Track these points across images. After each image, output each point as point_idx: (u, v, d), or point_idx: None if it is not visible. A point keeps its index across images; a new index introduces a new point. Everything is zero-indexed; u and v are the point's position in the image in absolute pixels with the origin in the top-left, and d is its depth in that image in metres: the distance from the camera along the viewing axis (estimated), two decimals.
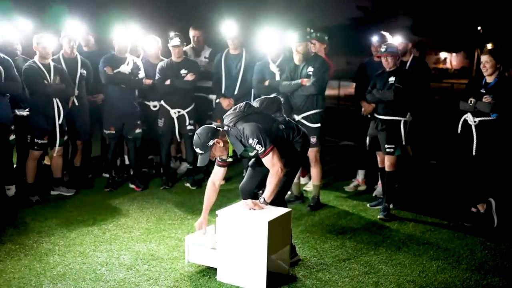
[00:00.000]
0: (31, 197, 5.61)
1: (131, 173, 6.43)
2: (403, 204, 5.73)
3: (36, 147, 5.63)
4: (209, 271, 3.89)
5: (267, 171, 3.83)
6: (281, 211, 3.78)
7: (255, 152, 3.83)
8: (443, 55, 52.17)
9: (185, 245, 3.95)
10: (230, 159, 3.99)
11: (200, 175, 6.88)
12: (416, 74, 5.80)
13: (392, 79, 5.42)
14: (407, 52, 6.13)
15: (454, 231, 4.95)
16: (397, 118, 5.44)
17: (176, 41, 6.11)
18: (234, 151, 3.90)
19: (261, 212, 3.71)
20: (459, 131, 5.14)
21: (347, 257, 4.27)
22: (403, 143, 5.48)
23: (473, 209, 5.22)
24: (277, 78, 5.89)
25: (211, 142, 3.76)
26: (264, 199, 3.77)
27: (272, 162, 3.75)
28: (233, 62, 6.28)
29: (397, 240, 4.70)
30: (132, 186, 6.32)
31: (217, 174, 4.08)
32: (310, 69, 5.46)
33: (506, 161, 5.19)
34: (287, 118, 4.10)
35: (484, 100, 4.90)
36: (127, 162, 6.90)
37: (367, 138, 5.78)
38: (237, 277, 3.68)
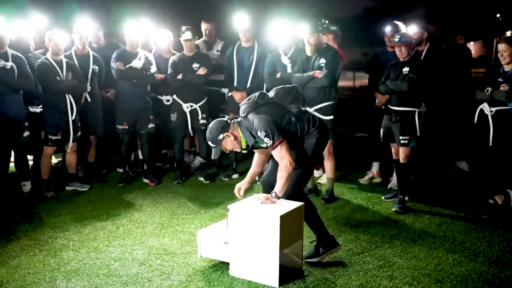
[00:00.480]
0: (46, 192, 5.66)
1: (145, 168, 6.44)
2: (418, 196, 5.65)
3: (50, 143, 5.66)
4: (222, 266, 3.88)
5: None
6: (293, 205, 3.74)
7: (265, 144, 3.79)
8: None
9: (198, 240, 3.94)
10: (244, 151, 4.00)
11: (214, 169, 6.88)
12: (432, 64, 5.70)
13: (406, 69, 5.33)
14: (423, 41, 6.02)
15: (471, 224, 4.87)
16: (411, 109, 5.35)
17: (187, 35, 6.09)
18: (247, 142, 3.89)
19: (273, 207, 3.68)
20: (475, 121, 5.04)
21: (361, 251, 4.22)
22: (418, 134, 5.39)
23: (491, 201, 5.12)
24: (289, 70, 5.83)
25: (221, 136, 3.81)
26: (276, 194, 3.73)
27: (281, 156, 3.71)
28: (245, 55, 6.23)
29: (412, 233, 4.64)
30: (146, 180, 6.34)
31: (259, 153, 4.11)
32: (322, 60, 5.39)
33: None
34: (303, 109, 4.02)
35: (501, 88, 4.79)
36: (141, 157, 6.91)
37: (381, 130, 5.71)
38: (250, 272, 3.66)
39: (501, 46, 4.86)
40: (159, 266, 3.93)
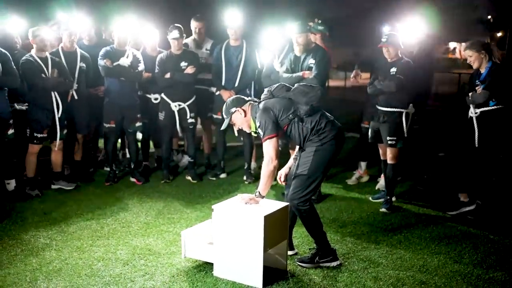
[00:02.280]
0: (31, 191, 5.59)
1: (132, 166, 6.39)
2: (406, 197, 5.65)
3: (35, 141, 5.60)
4: (206, 266, 3.85)
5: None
6: (277, 205, 3.72)
7: None
8: (452, 45, 51.60)
9: (182, 240, 3.90)
10: (254, 134, 4.00)
11: (202, 169, 6.84)
12: (420, 65, 5.71)
13: (393, 70, 5.33)
14: (415, 43, 6.02)
15: (457, 225, 4.87)
16: (398, 110, 5.35)
17: (175, 33, 6.04)
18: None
19: (257, 207, 3.66)
20: (464, 123, 5.08)
21: (347, 252, 4.20)
22: (405, 135, 5.40)
23: (478, 202, 5.13)
24: (280, 73, 5.83)
25: (233, 109, 3.85)
26: (259, 193, 3.70)
27: (266, 150, 3.70)
28: (233, 53, 6.19)
29: (398, 234, 4.63)
30: (133, 179, 6.29)
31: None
32: (311, 60, 5.37)
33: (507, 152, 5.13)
34: (320, 113, 3.80)
35: (477, 91, 4.89)
36: (128, 155, 6.86)
37: (370, 130, 5.70)
38: (234, 273, 3.63)
39: (466, 53, 5.00)
40: (143, 266, 3.89)
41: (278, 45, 5.94)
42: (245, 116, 3.86)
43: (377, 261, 4.02)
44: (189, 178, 6.42)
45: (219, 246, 3.69)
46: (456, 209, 5.18)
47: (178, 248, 4.19)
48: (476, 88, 4.92)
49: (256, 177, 6.45)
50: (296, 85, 3.95)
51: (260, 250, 3.50)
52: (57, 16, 6.12)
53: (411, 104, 5.41)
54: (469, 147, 5.04)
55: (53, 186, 5.91)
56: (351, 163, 7.01)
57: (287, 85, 3.96)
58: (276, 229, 3.68)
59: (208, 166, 6.95)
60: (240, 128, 3.96)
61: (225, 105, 3.92)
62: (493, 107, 4.86)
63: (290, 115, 3.77)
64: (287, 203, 3.80)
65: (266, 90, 3.97)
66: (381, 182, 6.12)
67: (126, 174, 6.56)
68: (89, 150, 6.62)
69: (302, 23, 5.42)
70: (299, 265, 3.91)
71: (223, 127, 4.02)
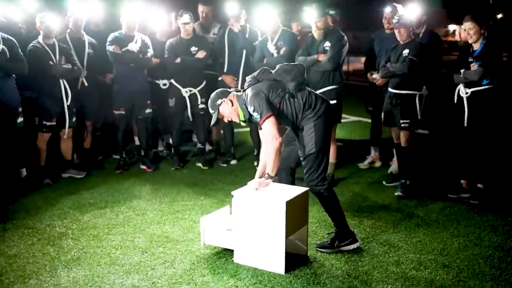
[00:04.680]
0: (42, 180, 5.54)
1: (142, 154, 6.34)
2: (420, 180, 5.61)
3: (44, 129, 5.54)
4: (226, 253, 3.82)
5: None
6: (298, 190, 3.68)
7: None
8: (452, 27, 51.22)
9: (201, 227, 3.87)
10: (243, 123, 3.98)
11: (211, 155, 6.79)
12: (431, 47, 5.63)
13: (406, 51, 5.24)
14: (420, 24, 5.93)
15: (473, 208, 4.83)
16: (412, 92, 5.28)
17: (186, 18, 5.93)
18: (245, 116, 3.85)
19: (277, 192, 3.61)
20: (455, 103, 5.02)
21: (366, 236, 4.17)
22: (419, 117, 5.33)
23: (479, 185, 5.07)
24: (275, 56, 5.84)
25: (219, 101, 3.81)
26: (268, 174, 3.65)
27: (267, 130, 3.65)
28: (236, 38, 6.10)
29: (415, 218, 4.60)
30: (143, 167, 6.24)
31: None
32: (327, 44, 5.32)
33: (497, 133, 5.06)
34: (306, 89, 3.86)
35: (471, 68, 4.80)
36: (137, 142, 6.80)
37: (382, 114, 5.64)
38: (255, 259, 3.60)
39: (467, 25, 4.84)
40: (162, 254, 3.86)
41: (272, 27, 5.88)
42: (232, 105, 3.81)
43: (398, 245, 3.99)
44: (199, 164, 6.37)
45: (239, 232, 3.65)
46: (456, 193, 5.14)
47: (196, 235, 4.16)
48: (471, 65, 4.81)
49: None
50: (277, 65, 3.93)
51: (282, 236, 3.47)
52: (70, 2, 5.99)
53: (424, 86, 5.35)
54: (458, 128, 5.00)
55: (63, 175, 5.86)
56: (362, 147, 6.98)
57: (268, 68, 3.92)
58: (297, 214, 3.64)
59: (218, 152, 6.90)
60: (230, 119, 3.91)
61: (209, 99, 3.87)
62: (485, 87, 4.78)
63: (280, 93, 3.75)
64: (307, 188, 3.75)
65: (249, 77, 3.92)
66: (394, 166, 6.08)
67: (136, 161, 6.51)
68: (98, 137, 6.56)
69: (320, 8, 5.34)
70: (319, 250, 3.88)
71: (212, 123, 3.91)
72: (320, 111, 3.78)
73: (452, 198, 5.08)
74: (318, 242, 3.98)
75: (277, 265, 3.52)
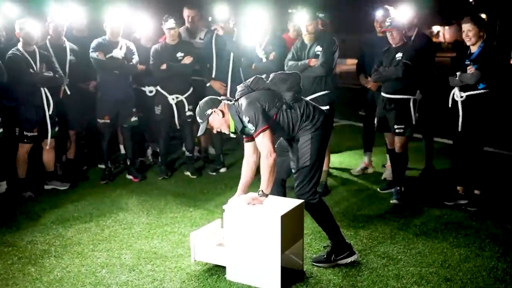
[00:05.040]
0: (23, 193, 5.30)
1: (128, 163, 6.12)
2: (415, 187, 5.48)
3: (25, 140, 5.30)
4: (218, 270, 3.63)
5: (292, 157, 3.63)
6: (293, 203, 3.51)
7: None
8: (435, 28, 51.56)
9: (191, 243, 3.67)
10: (233, 135, 3.77)
11: (200, 163, 6.60)
12: (424, 50, 5.51)
13: (399, 55, 5.11)
14: (412, 26, 5.81)
15: (471, 215, 4.70)
16: (406, 96, 5.14)
17: (171, 23, 5.74)
18: (236, 127, 3.65)
19: (271, 206, 3.44)
20: (450, 106, 4.91)
21: (363, 248, 4.01)
22: (413, 122, 5.20)
23: (476, 192, 4.95)
24: (264, 61, 5.68)
25: (209, 111, 3.58)
26: (262, 191, 3.45)
27: (261, 144, 3.45)
28: (224, 43, 5.93)
29: (413, 227, 4.45)
30: (130, 177, 6.03)
31: (247, 150, 3.75)
32: (318, 48, 5.15)
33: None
34: (302, 98, 3.70)
35: (468, 71, 4.67)
36: (123, 151, 6.58)
37: (375, 119, 5.50)
38: (249, 276, 3.42)
39: (466, 26, 4.72)
40: (150, 271, 3.66)
41: (261, 31, 5.73)
42: (223, 116, 3.59)
43: (396, 257, 3.84)
44: (187, 173, 6.18)
45: (231, 248, 3.47)
46: (453, 200, 5.01)
47: (186, 250, 3.97)
48: (468, 68, 4.69)
49: (257, 169, 6.24)
50: (272, 74, 3.74)
51: (277, 252, 3.29)
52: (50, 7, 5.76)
53: (418, 91, 5.22)
54: (452, 132, 4.89)
55: (46, 187, 5.62)
56: (354, 153, 6.85)
57: (262, 77, 3.72)
58: (293, 228, 3.47)
59: (206, 160, 6.71)
60: (219, 130, 3.70)
61: (198, 108, 3.63)
62: (481, 91, 4.66)
63: (277, 103, 3.57)
64: (302, 200, 3.58)
65: (241, 86, 3.71)
66: (387, 171, 5.95)
67: (122, 171, 6.30)
68: (81, 147, 6.33)
69: (311, 11, 5.18)
70: (316, 265, 3.71)
71: (200, 133, 3.68)
72: (318, 123, 3.63)
73: (449, 205, 4.95)
74: (314, 256, 3.82)
75: (273, 282, 3.34)
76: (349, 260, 3.73)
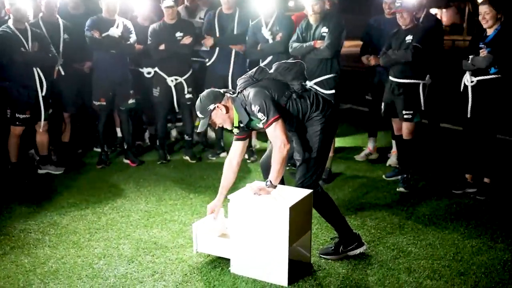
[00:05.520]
0: (16, 178, 5.09)
1: (125, 147, 5.92)
2: (421, 174, 5.32)
3: (17, 123, 5.07)
4: (221, 262, 3.46)
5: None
6: (301, 193, 3.32)
7: (261, 123, 3.35)
8: (433, 11, 51.04)
9: (193, 234, 3.50)
10: (236, 130, 3.53)
11: (199, 147, 6.40)
12: (434, 32, 5.30)
13: (409, 37, 4.90)
14: (421, 7, 5.58)
15: (481, 204, 4.56)
16: (415, 81, 4.95)
17: (169, 1, 5.48)
18: (240, 122, 3.44)
19: (279, 196, 3.26)
20: (461, 91, 4.72)
21: (371, 239, 3.85)
22: (422, 108, 5.01)
23: (486, 180, 4.79)
24: (270, 42, 5.44)
25: (211, 106, 3.37)
26: (271, 182, 3.26)
27: (274, 135, 3.25)
28: (226, 22, 5.68)
29: (422, 216, 4.29)
30: (127, 161, 5.83)
31: (235, 150, 3.58)
32: (324, 29, 4.91)
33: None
34: (308, 87, 3.54)
35: (480, 54, 4.48)
36: (119, 134, 6.37)
37: (382, 104, 5.31)
38: (254, 269, 3.26)
39: (483, 8, 4.50)
40: (150, 263, 3.48)
41: (267, 10, 5.47)
42: (226, 112, 3.39)
43: (407, 249, 3.68)
44: (187, 158, 5.98)
45: (236, 240, 3.30)
46: (461, 188, 4.85)
47: (187, 240, 3.80)
48: (481, 51, 4.49)
49: (259, 155, 6.06)
50: (275, 64, 3.55)
51: (285, 245, 3.12)
52: None
53: (428, 75, 5.02)
54: (462, 119, 4.74)
55: (39, 171, 5.41)
56: (358, 138, 6.67)
57: (265, 68, 3.53)
58: (301, 220, 3.29)
59: (206, 144, 6.52)
60: (221, 126, 3.51)
61: (199, 101, 3.40)
62: (492, 76, 4.47)
63: (286, 93, 3.39)
64: (310, 190, 3.40)
65: (243, 77, 3.49)
66: (393, 158, 5.79)
67: (118, 155, 6.10)
68: (77, 130, 6.10)
69: None
70: (323, 257, 3.55)
71: (200, 129, 3.50)
72: (327, 113, 3.44)
73: (457, 194, 4.79)
74: (321, 248, 3.65)
75: (280, 276, 3.18)
76: (357, 251, 3.58)
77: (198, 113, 3.46)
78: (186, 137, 6.06)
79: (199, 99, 3.45)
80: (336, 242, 3.60)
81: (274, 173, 3.26)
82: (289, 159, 3.60)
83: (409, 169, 5.06)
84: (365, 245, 3.63)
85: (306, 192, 3.34)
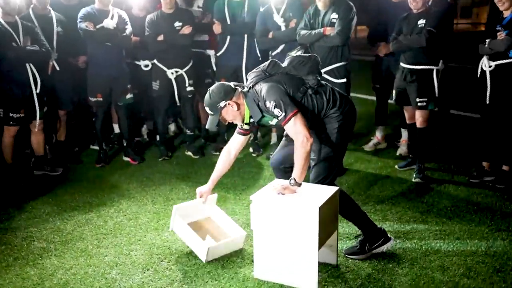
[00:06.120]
0: (12, 181, 4.80)
1: (124, 144, 5.66)
2: (436, 163, 5.14)
3: (11, 122, 4.76)
4: (243, 266, 3.25)
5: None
6: (328, 191, 3.11)
7: (276, 120, 3.13)
8: None
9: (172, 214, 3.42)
10: (246, 126, 3.33)
11: (201, 141, 6.15)
12: (446, 15, 5.09)
13: (421, 21, 4.69)
14: None
15: (502, 192, 4.40)
16: (429, 67, 4.75)
17: None
18: (251, 117, 3.24)
19: (304, 195, 3.04)
20: (478, 76, 4.56)
21: (396, 235, 3.66)
22: (436, 95, 4.82)
23: (505, 167, 4.64)
24: (282, 29, 5.15)
25: (222, 103, 3.16)
26: (295, 180, 3.05)
27: (295, 130, 3.04)
28: (237, 9, 5.40)
29: (444, 209, 4.12)
30: (127, 159, 5.57)
31: (236, 142, 3.45)
32: (334, 15, 4.68)
33: None
34: (323, 83, 3.32)
35: (498, 37, 4.30)
36: (116, 130, 6.11)
37: (394, 92, 5.11)
38: (280, 274, 3.05)
39: None
40: (167, 271, 3.25)
41: None
42: (238, 109, 3.19)
43: (435, 246, 3.49)
44: (189, 153, 5.74)
45: (260, 243, 3.08)
46: (479, 177, 4.70)
47: None
48: (498, 34, 4.31)
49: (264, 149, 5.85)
50: (288, 58, 3.33)
51: (315, 248, 2.91)
52: None
53: (441, 60, 4.82)
54: (480, 105, 4.58)
55: (36, 172, 5.13)
56: (365, 127, 6.48)
57: (278, 61, 3.32)
58: (329, 220, 3.09)
59: (207, 138, 6.27)
60: (231, 122, 3.32)
61: (208, 97, 3.21)
62: (511, 60, 4.29)
63: (302, 88, 3.18)
64: (337, 187, 3.19)
65: (254, 71, 3.28)
66: (403, 147, 5.62)
67: (117, 152, 5.83)
68: (73, 127, 5.81)
69: None
70: (349, 257, 3.35)
71: (209, 126, 3.35)
72: (345, 110, 3.25)
73: (475, 183, 4.63)
74: (346, 247, 3.45)
75: (308, 281, 2.97)
76: (385, 247, 3.39)
77: (207, 109, 3.25)
78: (188, 132, 5.81)
79: (208, 94, 3.23)
80: (361, 240, 3.41)
81: (299, 170, 3.04)
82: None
83: (424, 159, 4.88)
84: (392, 239, 3.44)
85: (333, 189, 3.13)
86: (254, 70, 3.32)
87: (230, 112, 3.21)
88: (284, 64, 3.31)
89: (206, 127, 3.45)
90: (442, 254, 3.38)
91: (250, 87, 3.24)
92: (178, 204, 3.61)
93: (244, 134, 3.43)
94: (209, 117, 3.29)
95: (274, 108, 3.05)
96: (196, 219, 3.64)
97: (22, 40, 4.66)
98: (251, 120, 3.26)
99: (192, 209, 3.63)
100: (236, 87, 3.25)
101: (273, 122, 3.21)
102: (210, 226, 3.67)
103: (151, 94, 5.61)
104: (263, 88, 3.13)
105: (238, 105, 3.19)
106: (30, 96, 4.77)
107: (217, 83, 3.34)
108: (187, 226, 3.43)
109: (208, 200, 3.67)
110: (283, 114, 3.03)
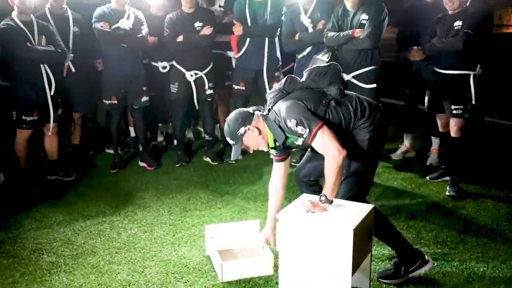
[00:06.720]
0: (24, 185, 4.60)
1: (140, 148, 5.43)
2: (471, 176, 4.81)
3: (24, 126, 4.57)
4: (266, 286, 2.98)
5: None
6: (362, 209, 2.82)
7: (301, 139, 2.87)
8: None
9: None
10: (273, 151, 3.08)
11: (219, 146, 5.89)
12: (484, 16, 4.76)
13: (458, 23, 4.38)
14: None
15: None
16: (466, 72, 4.43)
17: None
18: (275, 141, 2.98)
19: (336, 214, 2.76)
20: None
21: (433, 256, 3.34)
22: (473, 102, 4.49)
23: None
24: (310, 30, 4.88)
25: (241, 130, 2.92)
26: (326, 197, 2.76)
27: (323, 144, 2.77)
28: (258, 10, 5.13)
29: (484, 228, 3.79)
30: (143, 164, 5.34)
31: (278, 171, 3.20)
32: (364, 16, 4.38)
33: None
34: (354, 94, 3.05)
35: None
36: (132, 134, 5.89)
37: (426, 98, 4.81)
38: None
39: None
40: None
41: None
42: (259, 133, 2.94)
43: (479, 271, 3.18)
44: (207, 159, 5.49)
45: (286, 266, 2.81)
46: None
47: None
48: None
49: None
50: (306, 71, 3.08)
51: (348, 274, 2.63)
52: None
53: (479, 65, 4.50)
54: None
55: (49, 177, 4.93)
56: (393, 134, 6.15)
57: (296, 77, 3.07)
58: (363, 241, 2.80)
59: (227, 143, 6.00)
60: (256, 149, 3.06)
61: (227, 126, 2.98)
62: None
63: (324, 101, 2.92)
64: (372, 205, 2.90)
65: (272, 91, 3.05)
66: (433, 156, 5.29)
67: (133, 156, 5.61)
68: (87, 130, 5.61)
69: None
70: (383, 281, 3.06)
71: (233, 158, 3.19)
72: (376, 119, 2.97)
73: None
74: (379, 271, 3.16)
75: None
76: (422, 270, 3.09)
77: (228, 139, 3.03)
78: (207, 137, 5.56)
79: (226, 123, 3.00)
80: (396, 263, 3.11)
81: (330, 186, 2.76)
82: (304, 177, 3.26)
83: (458, 171, 4.56)
84: (430, 262, 3.14)
85: (367, 207, 2.84)
86: (271, 90, 3.10)
87: (252, 138, 2.97)
88: (303, 79, 3.07)
89: (231, 159, 3.23)
90: (487, 281, 3.07)
91: (269, 108, 3.01)
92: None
93: (280, 160, 3.18)
94: (232, 148, 3.03)
95: (297, 127, 2.81)
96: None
97: (37, 40, 4.47)
98: (276, 143, 3.01)
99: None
100: (254, 111, 3.02)
101: (299, 142, 2.94)
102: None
103: (169, 97, 5.38)
104: (281, 107, 2.90)
105: (259, 129, 2.96)
106: (44, 99, 4.58)
107: (233, 111, 3.09)
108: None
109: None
110: (307, 130, 2.78)
